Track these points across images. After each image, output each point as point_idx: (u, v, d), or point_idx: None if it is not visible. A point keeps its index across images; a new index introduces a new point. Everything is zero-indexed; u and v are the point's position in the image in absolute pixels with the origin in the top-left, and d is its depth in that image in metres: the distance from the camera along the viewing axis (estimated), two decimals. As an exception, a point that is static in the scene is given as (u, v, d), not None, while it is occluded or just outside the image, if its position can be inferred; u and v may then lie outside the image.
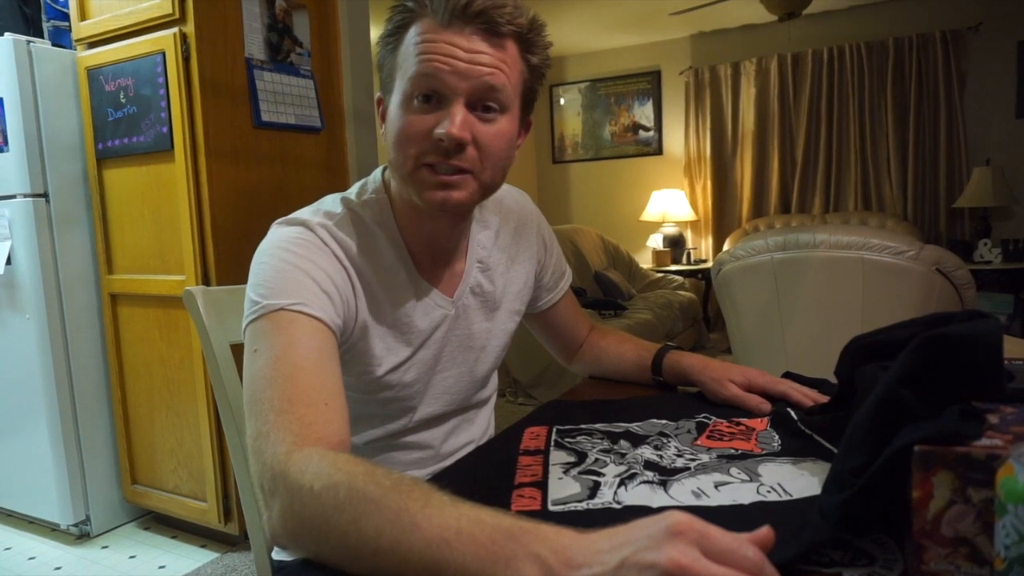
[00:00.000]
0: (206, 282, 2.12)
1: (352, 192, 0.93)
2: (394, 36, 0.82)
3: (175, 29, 2.05)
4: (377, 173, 0.94)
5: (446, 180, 0.80)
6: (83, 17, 2.26)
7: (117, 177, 2.28)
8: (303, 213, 0.88)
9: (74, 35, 2.30)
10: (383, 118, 0.87)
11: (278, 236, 0.84)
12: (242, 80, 2.19)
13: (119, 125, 2.21)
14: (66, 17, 2.38)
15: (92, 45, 2.27)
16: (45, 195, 2.29)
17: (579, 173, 6.04)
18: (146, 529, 2.49)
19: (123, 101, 2.19)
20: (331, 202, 0.91)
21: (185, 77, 2.06)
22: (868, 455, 0.57)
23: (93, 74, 2.24)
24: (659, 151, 5.76)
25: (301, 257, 0.81)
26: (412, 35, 0.80)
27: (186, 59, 2.05)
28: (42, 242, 2.28)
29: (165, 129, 2.10)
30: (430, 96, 0.79)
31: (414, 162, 0.80)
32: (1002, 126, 4.54)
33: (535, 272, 1.10)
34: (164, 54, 2.06)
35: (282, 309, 0.76)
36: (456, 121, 0.77)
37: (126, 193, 2.27)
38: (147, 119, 2.14)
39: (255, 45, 2.23)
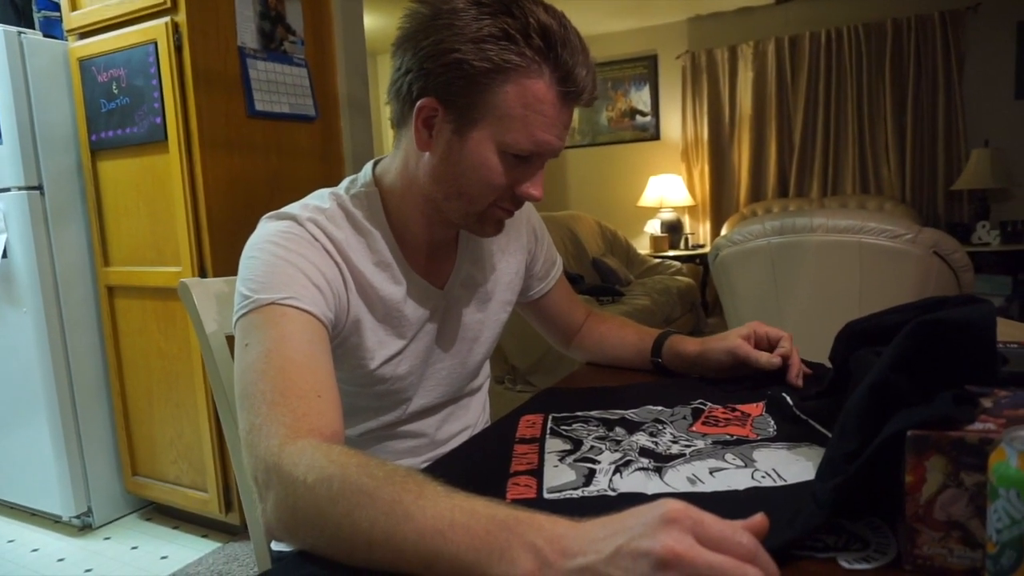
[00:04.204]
0: (202, 273, 2.11)
1: (341, 187, 0.92)
2: (494, 75, 0.76)
3: (167, 18, 2.03)
4: (367, 168, 0.94)
5: (506, 220, 0.89)
6: (74, 7, 2.24)
7: (111, 169, 2.27)
8: (292, 208, 0.87)
9: (65, 25, 2.28)
10: (430, 128, 0.81)
11: (267, 230, 0.83)
12: (235, 69, 2.17)
13: (112, 116, 2.20)
14: (57, 7, 2.36)
15: (84, 35, 2.24)
16: (40, 188, 2.28)
17: (576, 159, 6.02)
18: (148, 520, 2.50)
19: (116, 92, 2.17)
20: (320, 197, 0.90)
21: (178, 67, 2.04)
22: (861, 440, 0.57)
23: (85, 65, 2.23)
24: (656, 136, 5.73)
25: (291, 251, 0.81)
26: (525, 93, 0.77)
27: (178, 49, 2.04)
28: (38, 235, 2.27)
29: (159, 120, 2.09)
30: (526, 156, 0.82)
31: (489, 205, 0.85)
32: (1001, 107, 4.52)
33: (526, 262, 1.09)
34: (156, 44, 2.05)
35: (273, 303, 0.76)
36: (541, 184, 0.85)
37: (121, 185, 2.26)
38: (140, 110, 2.13)
39: (248, 34, 2.21)
